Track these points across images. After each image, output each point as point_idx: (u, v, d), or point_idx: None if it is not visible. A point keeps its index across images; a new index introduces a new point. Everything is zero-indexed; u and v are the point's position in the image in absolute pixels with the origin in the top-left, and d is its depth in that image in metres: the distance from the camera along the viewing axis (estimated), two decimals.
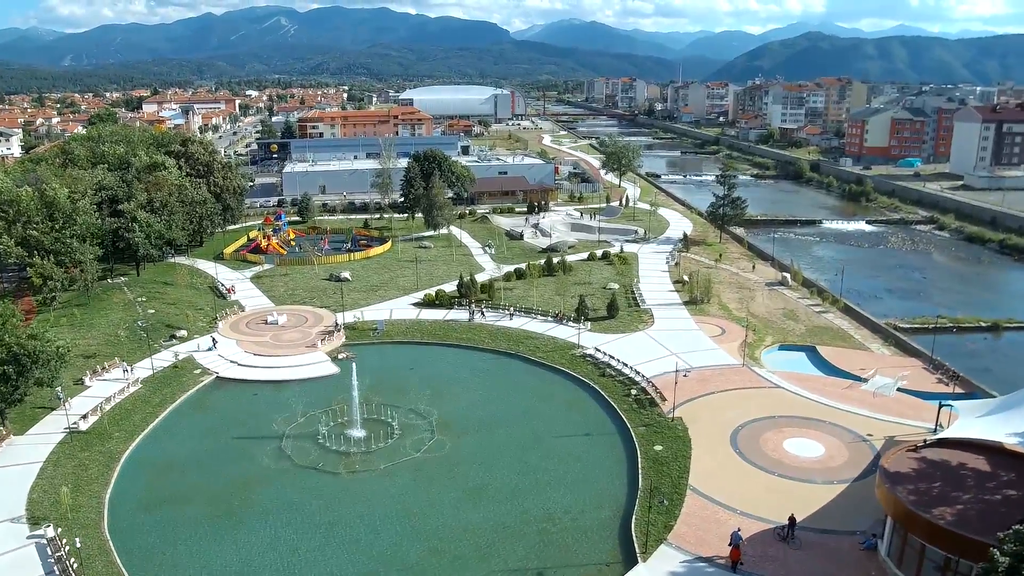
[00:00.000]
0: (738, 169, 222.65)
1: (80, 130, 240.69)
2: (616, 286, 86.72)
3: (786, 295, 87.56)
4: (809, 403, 57.46)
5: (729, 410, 56.22)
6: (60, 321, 73.23)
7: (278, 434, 53.65)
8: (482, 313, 76.87)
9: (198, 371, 64.78)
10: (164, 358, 66.84)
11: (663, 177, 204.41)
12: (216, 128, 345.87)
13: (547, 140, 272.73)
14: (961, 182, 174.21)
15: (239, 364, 66.34)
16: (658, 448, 50.83)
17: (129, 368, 64.30)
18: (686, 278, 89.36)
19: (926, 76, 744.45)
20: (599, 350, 67.19)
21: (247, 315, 79.44)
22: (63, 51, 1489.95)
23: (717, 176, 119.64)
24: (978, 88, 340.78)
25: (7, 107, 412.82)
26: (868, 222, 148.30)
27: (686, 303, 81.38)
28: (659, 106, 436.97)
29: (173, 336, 71.97)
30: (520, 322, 75.53)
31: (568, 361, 66.14)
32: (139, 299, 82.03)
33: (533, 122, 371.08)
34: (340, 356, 68.40)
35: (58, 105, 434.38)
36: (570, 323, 74.53)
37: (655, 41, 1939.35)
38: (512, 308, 77.66)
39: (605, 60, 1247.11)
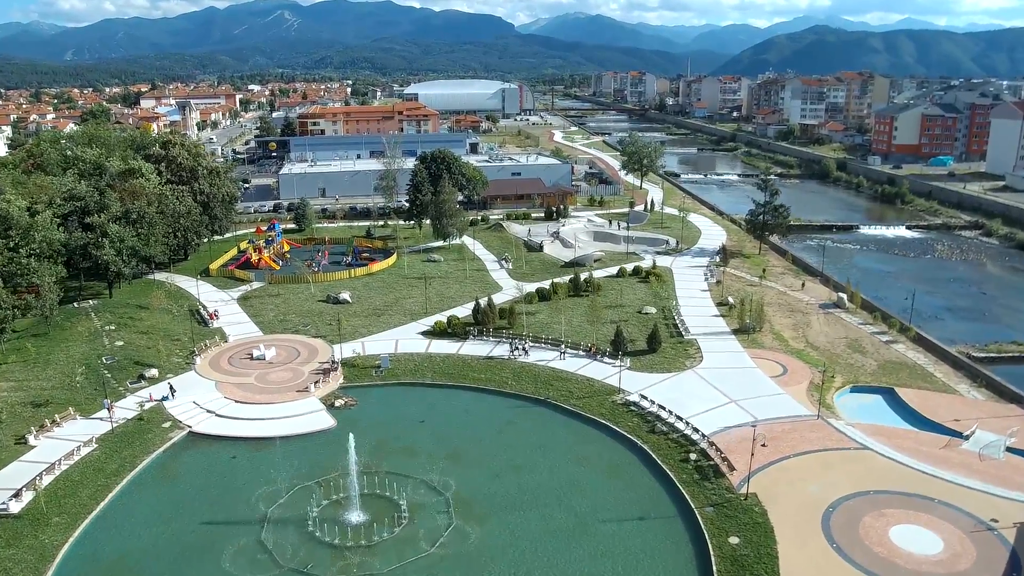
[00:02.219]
0: (760, 168, 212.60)
1: (72, 127, 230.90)
2: (653, 310, 76.07)
3: (845, 320, 76.82)
4: (907, 471, 46.87)
5: (812, 482, 45.70)
6: (9, 358, 63.01)
7: (258, 516, 43.28)
8: (524, 350, 65.57)
9: (167, 424, 54.39)
10: (129, 406, 56.55)
11: (682, 177, 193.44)
12: (215, 124, 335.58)
13: (558, 136, 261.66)
14: (1003, 183, 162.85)
15: (216, 415, 55.93)
16: (734, 541, 40.34)
17: (111, 405, 54.59)
18: (731, 300, 78.71)
19: (934, 70, 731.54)
20: (644, 397, 56.63)
21: (230, 347, 68.99)
22: (65, 45, 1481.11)
23: (758, 181, 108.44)
24: (1004, 82, 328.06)
25: (1, 103, 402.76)
26: (908, 227, 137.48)
27: (735, 332, 70.76)
28: (670, 101, 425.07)
29: (142, 376, 61.57)
30: (548, 357, 64.83)
31: (609, 411, 55.58)
32: (107, 327, 71.68)
33: (542, 117, 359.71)
34: (337, 403, 57.96)
35: (55, 100, 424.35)
36: (605, 359, 63.98)
37: (660, 35, 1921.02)
38: (564, 345, 66.13)
39: (610, 54, 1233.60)
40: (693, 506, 43.78)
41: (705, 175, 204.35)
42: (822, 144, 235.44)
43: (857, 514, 42.48)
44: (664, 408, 54.45)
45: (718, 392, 57.87)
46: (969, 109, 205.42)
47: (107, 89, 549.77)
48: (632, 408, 55.66)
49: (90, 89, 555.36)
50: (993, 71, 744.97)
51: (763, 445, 46.17)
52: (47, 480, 45.92)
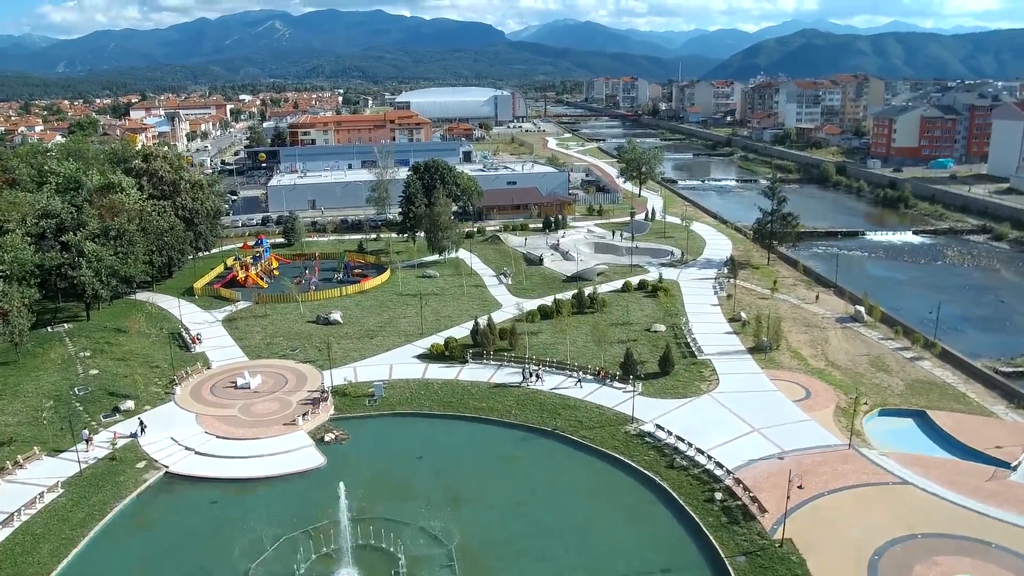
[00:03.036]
0: (757, 172, 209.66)
1: (59, 139, 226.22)
2: (663, 327, 71.89)
3: (864, 335, 72.87)
4: (955, 510, 42.71)
5: (851, 524, 41.46)
6: None
7: (240, 574, 38.72)
8: (538, 376, 60.89)
9: (142, 464, 49.82)
10: (101, 443, 51.92)
11: (679, 183, 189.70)
12: (205, 135, 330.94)
13: (552, 143, 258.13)
14: (1007, 185, 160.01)
15: (196, 452, 51.38)
16: None
17: (89, 436, 51.14)
18: (743, 315, 74.71)
19: (921, 72, 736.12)
20: (660, 427, 52.39)
21: (213, 374, 64.43)
22: (57, 57, 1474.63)
23: (764, 188, 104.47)
24: (1000, 83, 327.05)
25: None
26: (915, 232, 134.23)
27: (751, 350, 66.63)
28: (663, 106, 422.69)
29: (116, 409, 56.98)
30: (563, 384, 60.31)
31: (622, 443, 51.29)
32: (82, 353, 67.01)
33: (535, 124, 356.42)
34: (327, 437, 53.49)
35: (44, 112, 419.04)
36: (615, 383, 59.75)
37: (650, 40, 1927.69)
38: (580, 372, 61.40)
39: (601, 60, 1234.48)
40: (723, 555, 39.52)
41: (703, 181, 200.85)
42: (819, 148, 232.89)
43: (907, 562, 38.29)
44: (683, 440, 50.20)
45: (738, 419, 53.69)
46: (968, 111, 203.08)
47: (97, 100, 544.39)
48: (647, 439, 51.38)
49: (80, 101, 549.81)
50: (980, 72, 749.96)
51: (800, 487, 41.89)
52: (3, 534, 41.29)
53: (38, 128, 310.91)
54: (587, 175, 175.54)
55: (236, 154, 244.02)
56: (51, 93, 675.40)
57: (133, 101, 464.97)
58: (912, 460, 48.64)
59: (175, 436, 53.12)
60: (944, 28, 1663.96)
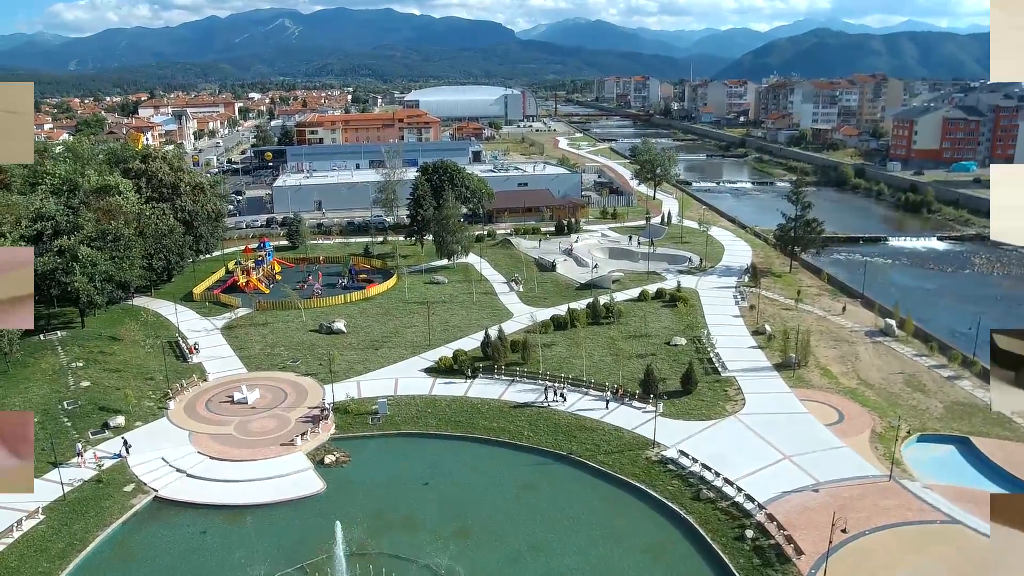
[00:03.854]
0: (772, 174, 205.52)
1: (66, 137, 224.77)
2: (683, 341, 68.16)
3: (896, 351, 68.84)
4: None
5: (898, 570, 37.75)
6: None
7: None
8: (562, 396, 56.93)
9: (130, 488, 46.65)
10: (87, 462, 48.78)
11: (693, 185, 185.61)
12: (213, 133, 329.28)
13: (563, 143, 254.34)
14: None
15: (187, 475, 48.19)
16: None
17: (82, 451, 49.10)
18: (768, 328, 70.91)
19: (936, 72, 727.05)
20: (684, 453, 48.75)
21: (210, 387, 61.27)
22: (68, 56, 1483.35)
23: (789, 193, 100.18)
24: None
25: None
26: (940, 238, 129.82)
27: (777, 367, 62.84)
28: (675, 106, 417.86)
29: (106, 425, 53.87)
30: (588, 406, 56.47)
31: (643, 471, 47.67)
32: (74, 363, 64.01)
33: (545, 123, 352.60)
34: (327, 459, 50.20)
35: (54, 110, 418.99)
36: (634, 403, 56.15)
37: (661, 39, 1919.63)
38: (610, 392, 56.96)
39: (611, 59, 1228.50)
40: None
41: (717, 183, 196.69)
42: (836, 149, 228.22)
43: None
44: (709, 468, 46.53)
45: (768, 445, 49.95)
46: (993, 112, 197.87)
47: (108, 98, 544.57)
48: (670, 467, 47.74)
49: (91, 99, 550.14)
50: None
51: (843, 531, 38.12)
52: None
53: (47, 126, 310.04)
54: (599, 176, 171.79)
55: (243, 153, 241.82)
56: (63, 91, 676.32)
57: (143, 99, 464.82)
58: (957, 494, 44.76)
59: (166, 456, 49.92)
60: (960, 27, 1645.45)
